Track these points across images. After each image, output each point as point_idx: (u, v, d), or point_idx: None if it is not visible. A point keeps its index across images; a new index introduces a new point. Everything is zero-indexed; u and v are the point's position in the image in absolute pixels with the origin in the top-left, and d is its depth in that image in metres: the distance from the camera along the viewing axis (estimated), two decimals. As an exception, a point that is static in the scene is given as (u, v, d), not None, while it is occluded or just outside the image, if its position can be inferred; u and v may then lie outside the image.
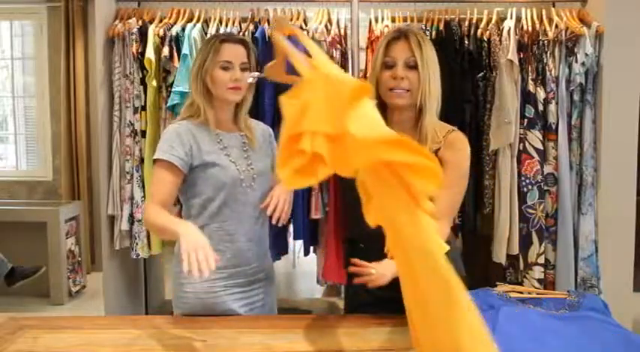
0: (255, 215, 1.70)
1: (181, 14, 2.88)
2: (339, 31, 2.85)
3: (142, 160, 2.83)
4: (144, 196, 2.80)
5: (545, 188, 2.73)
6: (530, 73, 2.70)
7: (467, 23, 2.78)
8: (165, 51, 2.72)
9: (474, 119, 2.76)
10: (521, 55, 2.70)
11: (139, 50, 2.78)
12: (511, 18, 2.75)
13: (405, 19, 2.85)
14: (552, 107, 2.70)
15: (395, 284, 1.26)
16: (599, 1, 2.77)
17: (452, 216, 1.52)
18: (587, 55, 2.66)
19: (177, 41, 2.76)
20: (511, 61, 2.65)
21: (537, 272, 2.71)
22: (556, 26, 2.71)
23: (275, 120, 2.72)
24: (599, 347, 1.12)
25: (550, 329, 1.16)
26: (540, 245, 2.71)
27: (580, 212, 2.76)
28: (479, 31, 2.73)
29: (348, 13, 2.84)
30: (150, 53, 2.73)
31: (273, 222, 1.65)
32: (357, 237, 1.67)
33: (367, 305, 1.61)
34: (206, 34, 2.78)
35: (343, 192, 1.64)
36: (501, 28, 2.73)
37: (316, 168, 0.95)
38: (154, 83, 2.77)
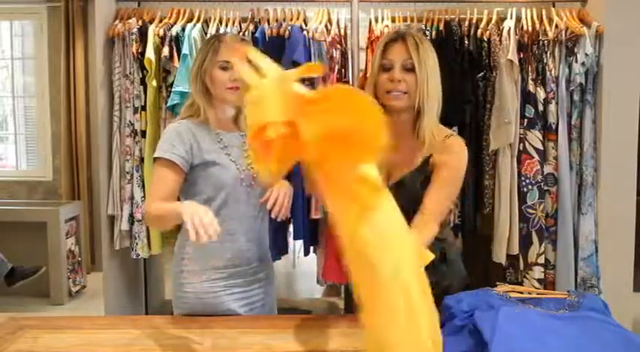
0: (255, 214, 1.70)
1: (181, 14, 2.88)
2: (339, 31, 2.85)
3: (142, 160, 2.83)
4: (144, 196, 2.80)
5: (545, 188, 2.73)
6: (530, 73, 2.70)
7: (467, 23, 2.78)
8: (166, 51, 2.73)
9: (474, 119, 2.76)
10: (521, 55, 2.70)
11: (139, 50, 2.78)
12: (511, 18, 2.75)
13: (405, 19, 2.85)
14: (552, 107, 2.70)
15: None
16: (599, 1, 2.77)
17: (440, 216, 1.49)
18: (587, 55, 2.66)
19: (177, 41, 2.76)
20: (511, 61, 2.65)
21: (537, 272, 2.71)
22: (556, 26, 2.71)
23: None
24: (599, 347, 1.12)
25: (550, 329, 1.15)
26: (540, 245, 2.71)
27: (580, 212, 2.76)
28: (479, 31, 2.73)
29: (348, 13, 2.84)
30: (150, 53, 2.73)
31: (273, 215, 1.64)
32: None
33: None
34: (206, 34, 2.78)
35: None
36: (501, 28, 2.73)
37: (287, 153, 1.03)
38: (154, 83, 2.78)
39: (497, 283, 1.42)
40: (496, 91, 2.68)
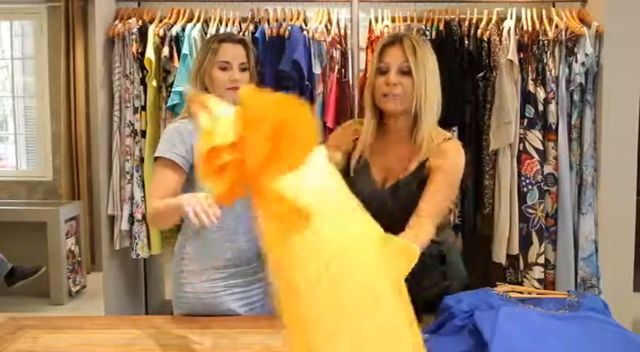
0: (255, 214, 1.70)
1: (181, 14, 2.88)
2: (339, 31, 2.85)
3: (142, 160, 2.83)
4: (144, 196, 2.80)
5: (545, 188, 2.73)
6: (530, 73, 2.70)
7: (467, 23, 2.78)
8: (166, 51, 2.73)
9: (474, 119, 2.76)
10: (521, 55, 2.70)
11: (139, 50, 2.78)
12: (511, 18, 2.75)
13: (405, 19, 2.85)
14: (552, 107, 2.70)
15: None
16: (599, 1, 2.77)
17: (436, 218, 1.47)
18: (587, 55, 2.66)
19: (177, 41, 2.76)
20: (511, 61, 2.65)
21: (537, 272, 2.71)
22: (556, 26, 2.71)
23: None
24: (599, 347, 1.12)
25: (550, 329, 1.16)
26: (540, 245, 2.71)
27: (580, 212, 2.76)
28: (479, 31, 2.73)
29: (348, 13, 2.84)
30: (150, 53, 2.73)
31: None
32: None
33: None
34: (206, 34, 2.78)
35: None
36: (501, 28, 2.73)
37: (235, 178, 1.01)
38: (154, 83, 2.77)
39: (497, 283, 1.42)
40: (496, 91, 2.68)
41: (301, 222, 0.94)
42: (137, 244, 2.83)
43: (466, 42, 2.73)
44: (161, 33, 2.78)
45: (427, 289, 1.49)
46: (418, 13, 2.86)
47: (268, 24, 2.80)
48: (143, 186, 2.82)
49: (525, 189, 2.70)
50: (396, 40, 1.51)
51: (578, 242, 2.75)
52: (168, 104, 2.71)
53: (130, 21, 2.81)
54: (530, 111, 2.69)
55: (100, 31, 2.82)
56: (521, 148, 2.71)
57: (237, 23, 2.84)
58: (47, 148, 4.81)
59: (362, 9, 2.83)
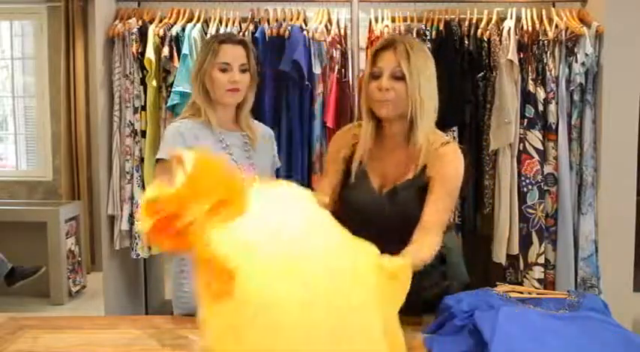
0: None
1: (181, 14, 2.88)
2: (339, 31, 2.85)
3: (142, 160, 2.83)
4: (144, 196, 2.80)
5: (545, 188, 2.73)
6: (530, 73, 2.70)
7: (467, 23, 2.78)
8: (166, 51, 2.73)
9: (474, 119, 2.76)
10: (521, 55, 2.70)
11: (139, 50, 2.78)
12: (511, 18, 2.75)
13: (405, 19, 2.85)
14: (552, 107, 2.70)
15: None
16: (599, 1, 2.77)
17: (440, 229, 1.45)
18: (587, 55, 2.66)
19: (177, 41, 2.76)
20: (511, 61, 2.65)
21: (537, 272, 2.71)
22: (556, 26, 2.71)
23: (275, 120, 2.73)
24: (599, 347, 1.12)
25: (550, 329, 1.15)
26: (540, 245, 2.71)
27: (580, 212, 2.76)
28: (479, 31, 2.73)
29: (348, 13, 2.84)
30: (150, 53, 2.73)
31: None
32: None
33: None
34: (206, 34, 2.78)
35: (345, 213, 1.60)
36: (501, 28, 2.73)
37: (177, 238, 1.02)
38: (154, 83, 2.78)
39: (497, 283, 1.42)
40: (496, 91, 2.68)
41: (226, 283, 0.92)
42: (137, 244, 2.83)
43: (466, 42, 2.73)
44: (161, 33, 2.78)
45: (427, 289, 1.48)
46: (418, 13, 2.86)
47: (268, 24, 2.80)
48: (143, 186, 2.82)
49: (525, 189, 2.70)
50: (388, 44, 1.48)
51: (578, 242, 2.75)
52: (168, 104, 2.71)
53: (130, 21, 2.81)
54: (530, 111, 2.69)
55: (100, 31, 2.82)
56: (521, 148, 2.71)
57: (237, 23, 2.84)
58: (47, 148, 4.81)
59: (362, 9, 2.83)
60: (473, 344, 1.18)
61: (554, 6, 2.83)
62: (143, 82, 2.81)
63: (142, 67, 2.79)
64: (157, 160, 1.64)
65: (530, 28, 2.71)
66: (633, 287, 2.82)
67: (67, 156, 4.61)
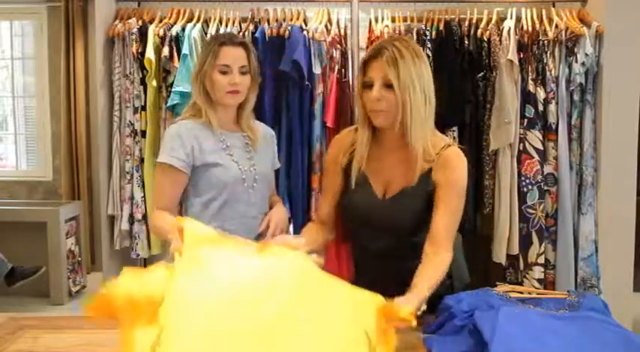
0: (255, 215, 1.70)
1: (181, 14, 2.88)
2: (339, 31, 2.86)
3: (142, 160, 2.83)
4: (144, 196, 2.80)
5: (545, 188, 2.73)
6: (530, 73, 2.70)
7: (467, 23, 2.78)
8: (166, 51, 2.73)
9: (474, 119, 2.76)
10: (521, 55, 2.70)
11: (139, 50, 2.78)
12: (511, 18, 2.76)
13: (405, 19, 2.85)
14: (552, 107, 2.70)
15: (397, 285, 1.26)
16: (599, 1, 2.77)
17: (451, 242, 1.45)
18: (587, 55, 2.66)
19: (177, 41, 2.76)
20: (511, 61, 2.65)
21: (537, 272, 2.71)
22: (556, 26, 2.71)
23: (275, 120, 2.73)
24: (599, 347, 1.12)
25: (550, 329, 1.15)
26: (540, 245, 2.71)
27: (580, 212, 2.76)
28: (479, 31, 2.73)
29: (348, 13, 2.84)
30: (150, 53, 2.73)
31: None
32: (360, 260, 1.64)
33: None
34: (206, 34, 2.78)
35: (346, 217, 1.60)
36: (501, 28, 2.73)
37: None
38: (154, 83, 2.78)
39: (497, 283, 1.42)
40: (496, 91, 2.68)
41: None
42: (137, 244, 2.83)
43: (466, 42, 2.73)
44: (161, 33, 2.78)
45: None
46: (418, 13, 2.86)
47: (268, 24, 2.80)
48: (143, 186, 2.82)
49: (525, 189, 2.71)
50: (376, 53, 1.43)
51: (578, 242, 2.75)
52: (168, 104, 2.71)
53: (130, 21, 2.81)
54: (530, 111, 2.69)
55: (100, 31, 2.82)
56: (521, 148, 2.71)
57: (237, 23, 2.84)
58: (47, 148, 4.80)
59: (362, 9, 2.83)
60: (473, 344, 1.17)
61: (554, 6, 2.84)
62: (143, 82, 2.81)
63: (142, 67, 2.79)
64: (157, 163, 1.65)
65: (530, 28, 2.72)
66: (633, 287, 2.82)
67: (67, 156, 4.60)
